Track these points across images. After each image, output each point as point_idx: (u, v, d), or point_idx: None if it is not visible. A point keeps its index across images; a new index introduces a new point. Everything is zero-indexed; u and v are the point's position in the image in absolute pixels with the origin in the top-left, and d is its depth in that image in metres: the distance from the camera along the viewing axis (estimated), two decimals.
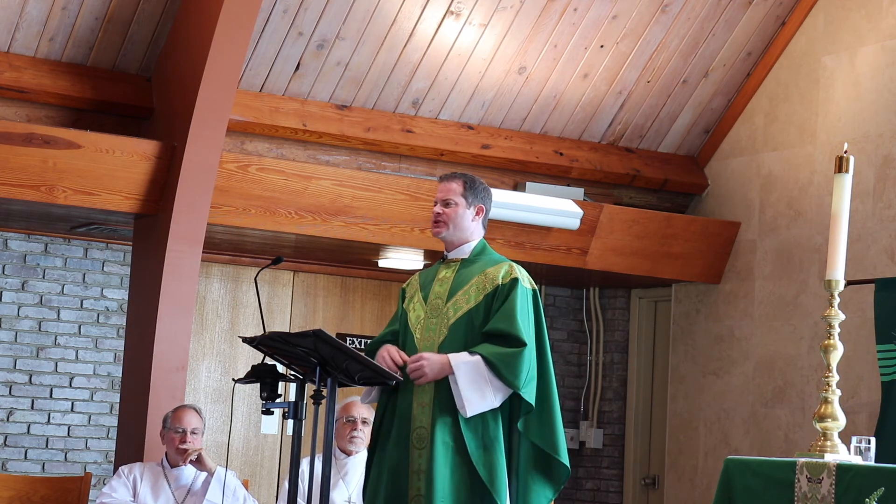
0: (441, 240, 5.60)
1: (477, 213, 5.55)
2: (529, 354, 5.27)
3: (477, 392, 5.24)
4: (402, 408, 5.40)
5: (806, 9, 8.99)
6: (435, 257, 8.45)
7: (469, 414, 5.24)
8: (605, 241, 9.06)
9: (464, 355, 5.29)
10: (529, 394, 5.28)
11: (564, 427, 5.48)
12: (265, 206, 7.99)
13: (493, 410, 5.30)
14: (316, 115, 8.40)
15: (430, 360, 5.30)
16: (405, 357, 5.39)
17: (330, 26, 8.11)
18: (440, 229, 5.54)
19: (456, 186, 5.54)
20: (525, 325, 5.31)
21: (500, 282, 5.39)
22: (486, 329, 5.35)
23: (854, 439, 5.07)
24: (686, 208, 9.71)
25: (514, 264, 5.48)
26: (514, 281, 5.39)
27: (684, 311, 9.65)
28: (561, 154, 9.18)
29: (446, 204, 5.53)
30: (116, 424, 8.19)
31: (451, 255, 5.58)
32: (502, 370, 5.24)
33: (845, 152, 5.23)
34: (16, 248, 8.71)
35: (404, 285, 5.69)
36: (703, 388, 9.42)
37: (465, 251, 5.55)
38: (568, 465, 5.42)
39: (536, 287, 5.48)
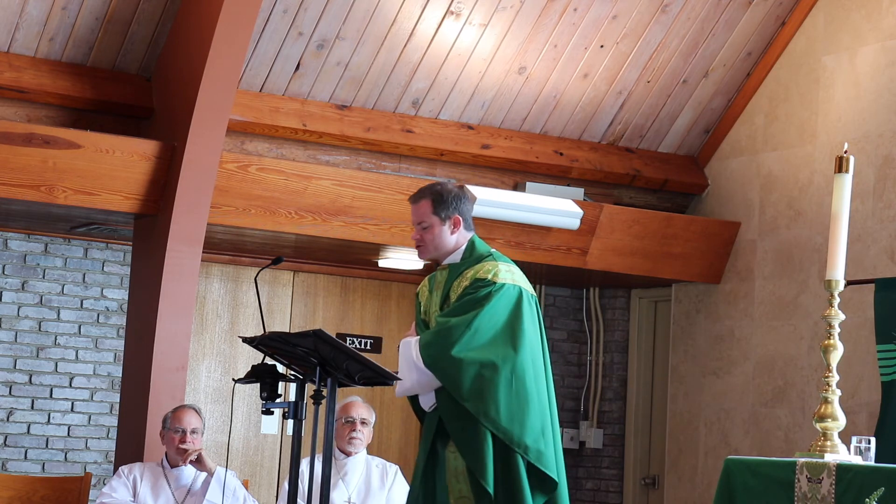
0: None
1: (455, 226, 5.40)
2: (435, 338, 5.20)
3: (404, 368, 5.27)
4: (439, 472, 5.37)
5: (806, 9, 8.99)
6: None
7: (398, 393, 5.32)
8: (605, 241, 9.06)
9: (413, 337, 5.34)
10: (428, 362, 5.17)
11: (564, 427, 5.44)
12: (265, 206, 7.99)
13: (522, 475, 5.16)
14: (316, 115, 8.40)
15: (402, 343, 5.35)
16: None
17: (330, 26, 8.11)
18: (423, 254, 5.46)
19: (425, 207, 5.38)
20: (447, 314, 5.24)
21: (467, 283, 5.33)
22: None
23: (854, 439, 5.07)
24: (686, 208, 9.71)
25: (488, 262, 5.35)
26: (476, 281, 5.29)
27: (684, 311, 9.65)
28: (561, 154, 9.17)
29: (422, 228, 5.40)
30: (116, 424, 8.19)
31: (445, 261, 5.50)
32: (420, 347, 5.24)
33: (845, 152, 5.22)
34: (16, 248, 8.71)
35: (417, 291, 5.66)
36: (703, 388, 9.42)
37: (457, 256, 5.47)
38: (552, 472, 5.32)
39: (517, 282, 5.33)
